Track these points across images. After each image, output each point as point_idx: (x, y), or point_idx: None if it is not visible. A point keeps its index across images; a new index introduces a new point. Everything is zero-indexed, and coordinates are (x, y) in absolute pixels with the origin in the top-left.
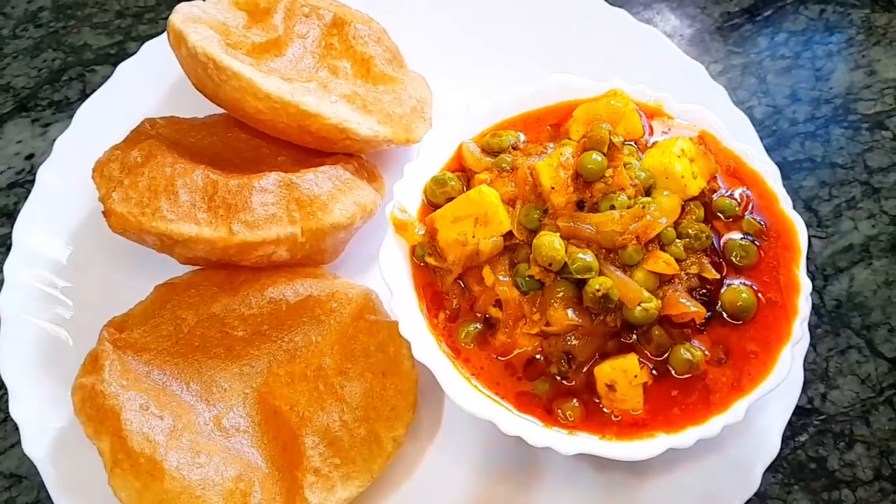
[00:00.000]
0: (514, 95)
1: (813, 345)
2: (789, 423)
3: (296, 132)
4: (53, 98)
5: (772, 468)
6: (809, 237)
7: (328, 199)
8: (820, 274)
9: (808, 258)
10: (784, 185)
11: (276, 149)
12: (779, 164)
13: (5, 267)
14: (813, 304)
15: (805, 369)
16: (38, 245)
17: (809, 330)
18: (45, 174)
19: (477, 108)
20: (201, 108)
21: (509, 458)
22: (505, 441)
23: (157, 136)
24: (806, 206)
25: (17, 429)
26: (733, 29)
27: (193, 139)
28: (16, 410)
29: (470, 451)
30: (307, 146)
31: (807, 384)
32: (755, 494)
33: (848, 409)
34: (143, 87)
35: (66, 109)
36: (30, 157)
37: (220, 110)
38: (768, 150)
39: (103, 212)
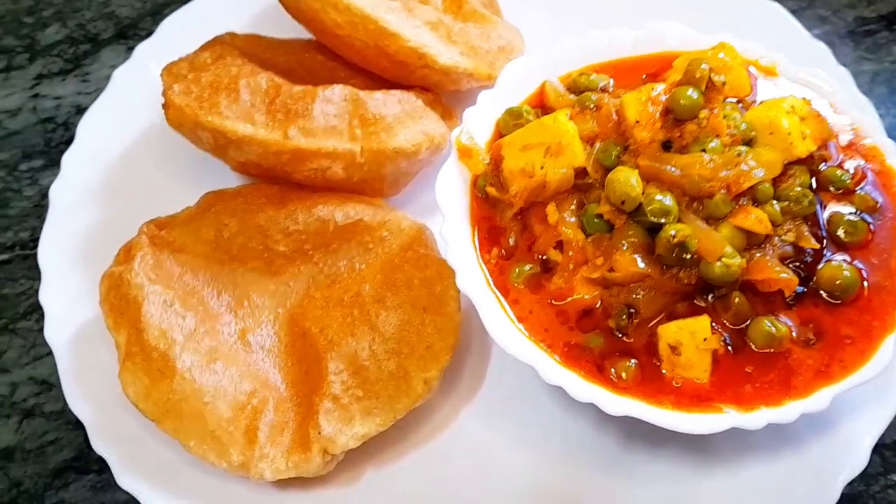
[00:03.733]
0: (610, 37)
1: None
2: (882, 457)
3: (373, 54)
4: (152, 29)
5: (854, 500)
6: None
7: (394, 121)
8: None
9: None
10: None
11: (352, 73)
12: None
13: (64, 157)
14: None
15: None
16: (98, 142)
17: None
18: (120, 76)
19: (568, 46)
20: (286, 33)
21: (552, 436)
22: (551, 417)
23: (232, 45)
24: None
25: None
26: (867, 35)
27: (270, 55)
28: (45, 296)
29: (509, 420)
30: (384, 74)
31: None
32: None
33: None
34: (230, 5)
35: None
36: None
37: (305, 36)
38: None
39: (163, 105)
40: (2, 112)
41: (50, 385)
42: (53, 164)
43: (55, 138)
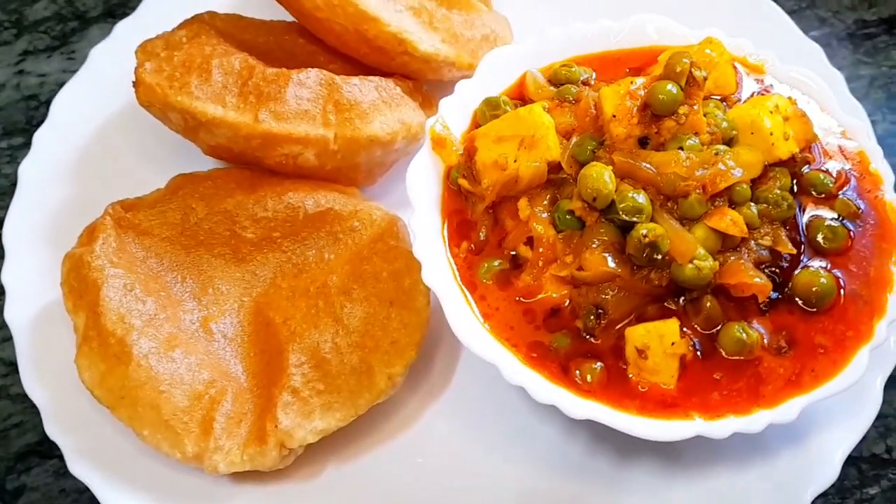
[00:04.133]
0: (594, 29)
1: None
2: (859, 469)
3: (353, 39)
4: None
5: None
6: None
7: (370, 108)
8: None
9: None
10: None
11: (332, 58)
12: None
13: (36, 134)
14: None
15: (888, 414)
16: (71, 121)
17: None
18: (97, 54)
19: (550, 36)
20: (269, 15)
21: (520, 437)
22: (519, 418)
23: (211, 24)
24: None
25: None
26: (867, 38)
27: (249, 36)
28: (7, 275)
29: (478, 418)
30: (364, 60)
31: (889, 431)
32: None
33: None
34: None
35: None
36: None
37: (289, 19)
38: None
39: (133, 82)
40: None
41: (16, 367)
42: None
43: (37, 116)
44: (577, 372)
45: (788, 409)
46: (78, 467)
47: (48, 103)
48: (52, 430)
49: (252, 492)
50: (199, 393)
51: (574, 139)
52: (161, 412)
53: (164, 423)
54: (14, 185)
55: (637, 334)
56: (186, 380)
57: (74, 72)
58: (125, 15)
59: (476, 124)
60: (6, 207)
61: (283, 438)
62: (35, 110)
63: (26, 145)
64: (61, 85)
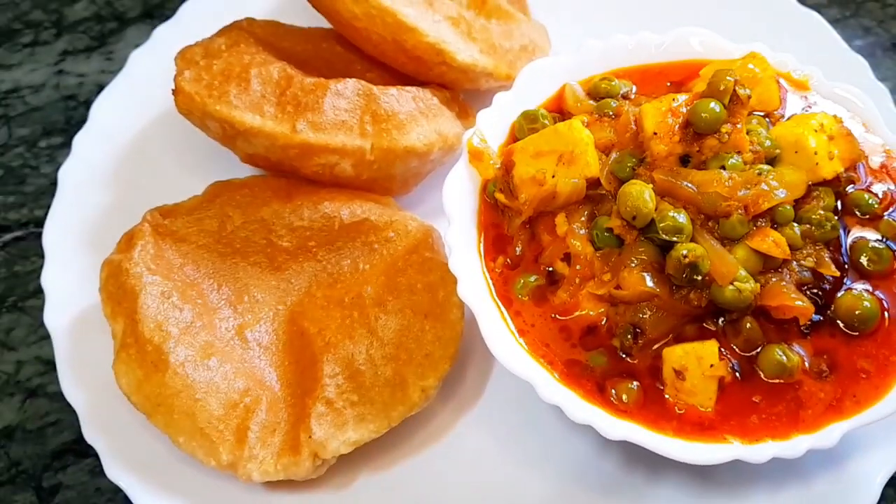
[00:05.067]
0: (636, 41)
1: None
2: None
3: (391, 48)
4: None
5: None
6: None
7: (407, 119)
8: None
9: None
10: None
11: (369, 66)
12: None
13: (76, 138)
14: None
15: None
16: (111, 125)
17: None
18: (137, 58)
19: (590, 49)
20: (307, 21)
21: (551, 453)
22: (551, 434)
23: (249, 31)
24: None
25: None
26: None
27: (287, 44)
28: (46, 278)
29: (509, 432)
30: (401, 69)
31: None
32: None
33: None
34: None
35: None
36: None
37: (326, 25)
38: None
39: (173, 90)
40: (25, 87)
41: (54, 366)
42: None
43: (75, 117)
44: (614, 391)
45: (828, 435)
46: (114, 470)
47: (86, 104)
48: (89, 433)
49: (284, 500)
50: (234, 402)
51: (613, 155)
52: (197, 420)
53: (200, 430)
54: (53, 184)
55: (675, 355)
56: (222, 388)
57: (113, 72)
58: (163, 16)
59: (514, 137)
60: (45, 207)
61: (316, 449)
62: (74, 110)
63: (64, 145)
64: (100, 85)
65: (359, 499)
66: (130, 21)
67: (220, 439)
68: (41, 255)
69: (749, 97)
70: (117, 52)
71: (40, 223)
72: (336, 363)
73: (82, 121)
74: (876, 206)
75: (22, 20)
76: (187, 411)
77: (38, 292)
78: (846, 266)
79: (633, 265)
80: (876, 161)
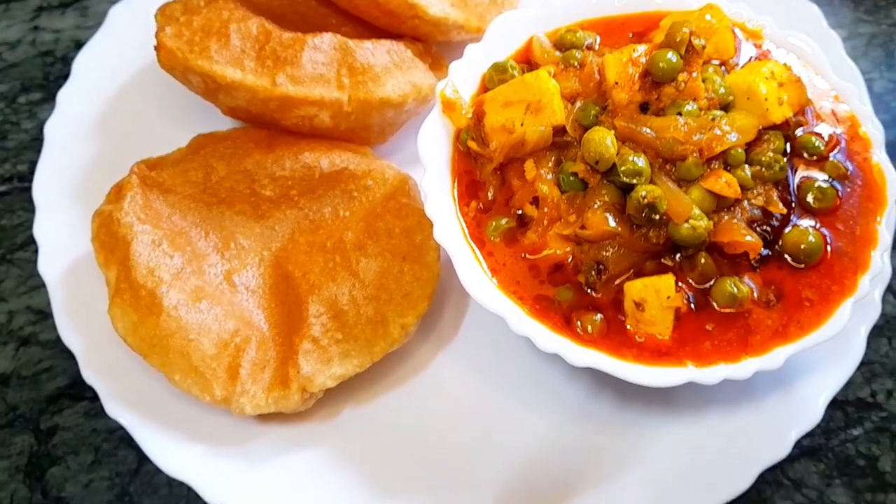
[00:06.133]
0: None
1: (889, 337)
2: (844, 412)
3: (364, 3)
4: None
5: (815, 457)
6: None
7: (382, 71)
8: None
9: None
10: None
11: (344, 20)
12: (890, 144)
13: (60, 93)
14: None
15: (874, 360)
16: (94, 79)
17: (887, 319)
18: (116, 13)
19: (557, 1)
20: None
21: (523, 383)
22: (523, 366)
23: None
24: None
25: None
26: None
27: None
28: (38, 230)
29: (484, 365)
30: (375, 23)
31: (874, 377)
32: (790, 480)
33: None
34: None
35: None
36: None
37: None
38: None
39: (155, 46)
40: (2, 44)
41: (45, 315)
42: (51, 98)
43: (53, 72)
44: (579, 323)
45: (775, 358)
46: (113, 408)
47: (64, 59)
48: (88, 375)
49: (275, 431)
50: (225, 341)
51: (578, 104)
52: (191, 359)
53: (194, 368)
54: (35, 139)
55: (635, 288)
56: (213, 329)
57: (88, 28)
58: None
59: (484, 87)
60: (28, 162)
61: (304, 383)
62: (52, 66)
63: (44, 100)
64: (76, 41)
65: (345, 429)
66: None
67: (213, 376)
68: (27, 209)
69: (704, 47)
70: (92, 7)
71: (24, 178)
72: (320, 304)
73: (61, 76)
74: (822, 148)
75: None
76: (181, 351)
77: (26, 245)
78: (793, 204)
79: (597, 206)
80: (823, 105)
